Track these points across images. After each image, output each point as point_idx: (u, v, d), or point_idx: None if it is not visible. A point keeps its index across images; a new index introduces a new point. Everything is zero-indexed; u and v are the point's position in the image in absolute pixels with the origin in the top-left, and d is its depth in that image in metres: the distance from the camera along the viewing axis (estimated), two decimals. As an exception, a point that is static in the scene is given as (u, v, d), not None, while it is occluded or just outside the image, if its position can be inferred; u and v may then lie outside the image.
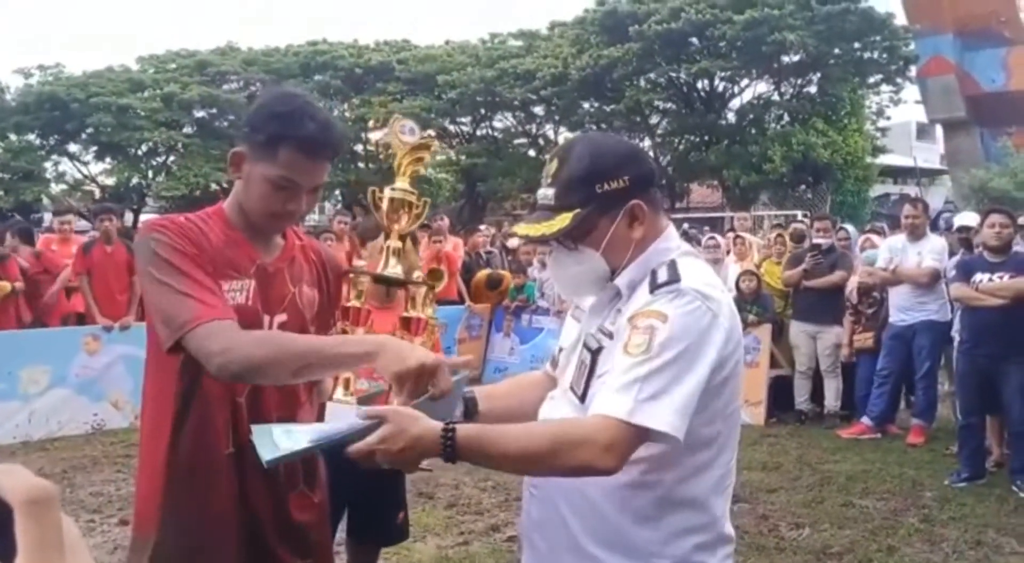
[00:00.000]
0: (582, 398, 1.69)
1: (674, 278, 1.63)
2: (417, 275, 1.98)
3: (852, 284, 7.48)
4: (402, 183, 1.99)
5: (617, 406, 1.54)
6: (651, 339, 1.57)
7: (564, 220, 1.68)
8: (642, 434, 1.54)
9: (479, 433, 1.56)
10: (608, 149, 1.76)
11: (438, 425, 1.53)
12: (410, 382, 1.61)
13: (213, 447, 1.84)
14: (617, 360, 1.61)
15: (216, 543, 1.84)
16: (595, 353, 1.70)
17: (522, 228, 1.76)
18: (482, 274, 9.88)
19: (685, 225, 11.58)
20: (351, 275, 1.93)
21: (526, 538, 1.86)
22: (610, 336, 1.69)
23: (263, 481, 1.83)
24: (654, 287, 1.64)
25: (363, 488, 2.10)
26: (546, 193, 1.73)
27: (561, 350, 1.88)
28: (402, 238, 1.97)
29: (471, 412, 1.83)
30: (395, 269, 1.93)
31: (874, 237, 8.15)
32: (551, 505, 1.76)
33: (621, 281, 1.72)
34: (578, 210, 1.68)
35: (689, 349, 1.57)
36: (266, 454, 1.56)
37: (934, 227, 8.67)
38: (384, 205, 1.95)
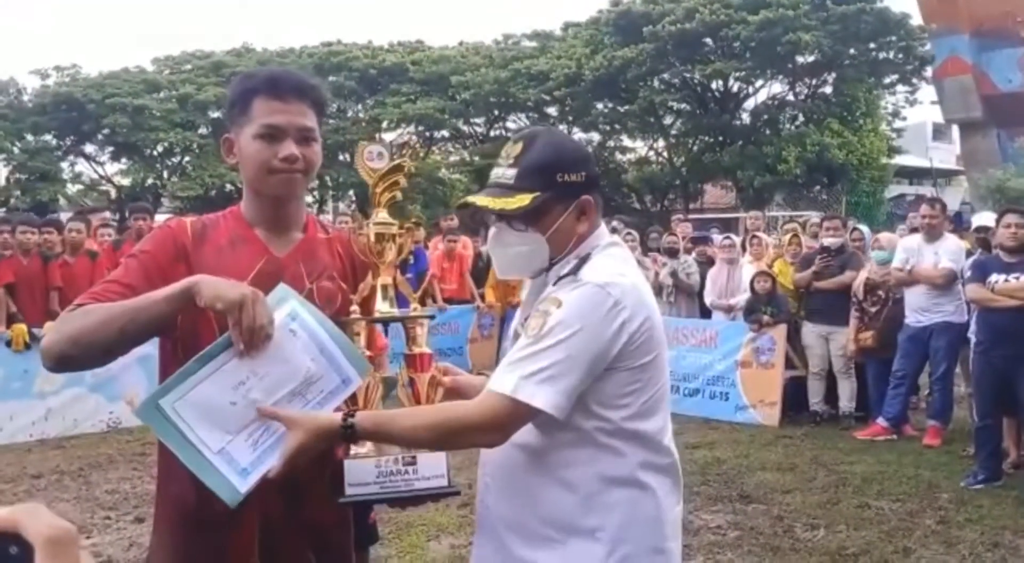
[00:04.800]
0: None
1: (574, 271, 1.75)
2: (413, 308, 1.93)
3: (860, 279, 7.42)
4: (381, 215, 1.88)
5: (503, 383, 1.66)
6: (544, 322, 1.68)
7: (523, 200, 1.74)
8: (525, 410, 1.65)
9: (375, 426, 1.68)
10: (571, 144, 1.92)
11: (337, 419, 1.66)
12: (234, 314, 1.62)
13: None
14: (517, 343, 1.73)
15: (209, 546, 1.81)
16: (516, 340, 1.80)
17: (482, 199, 1.80)
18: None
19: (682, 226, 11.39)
20: (344, 323, 1.82)
21: (483, 528, 1.91)
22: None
23: (275, 481, 1.77)
24: (557, 280, 1.77)
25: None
26: (506, 172, 1.79)
27: (509, 344, 1.98)
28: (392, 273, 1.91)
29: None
30: (386, 307, 1.88)
31: (882, 238, 8.05)
32: (504, 492, 1.83)
33: (551, 274, 1.82)
34: (537, 193, 1.75)
35: (580, 332, 1.66)
36: (227, 492, 1.64)
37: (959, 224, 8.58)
38: (370, 241, 1.86)
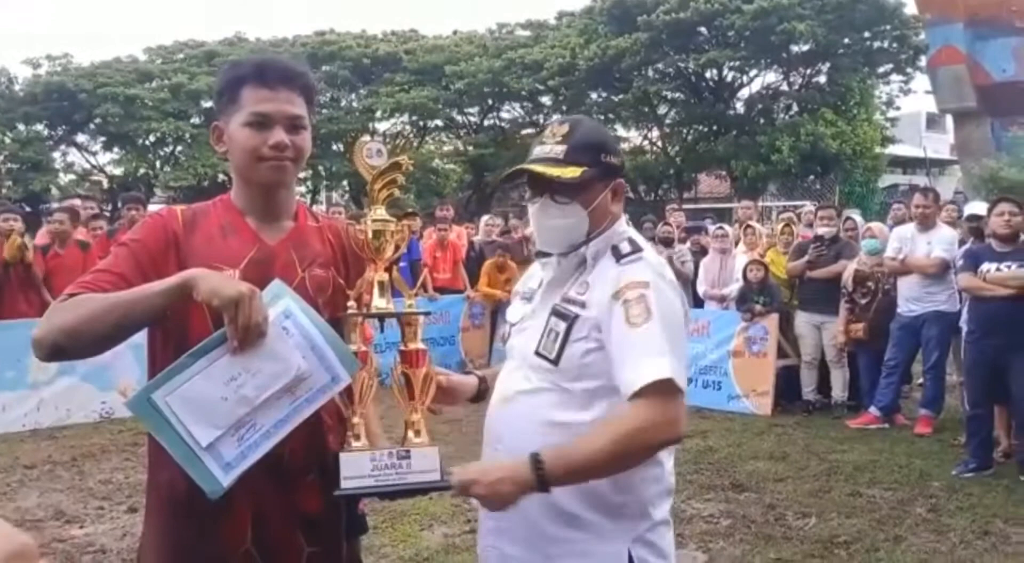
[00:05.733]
0: (555, 361, 1.85)
1: (637, 249, 1.87)
2: (409, 304, 1.92)
3: (848, 272, 7.44)
4: (379, 211, 1.89)
5: (657, 371, 1.70)
6: (647, 306, 1.76)
7: (575, 172, 1.84)
8: (680, 392, 1.73)
9: (566, 469, 1.71)
10: (607, 131, 2.07)
11: (525, 464, 1.70)
12: (230, 311, 1.62)
13: None
14: (622, 333, 1.76)
15: (201, 534, 1.81)
16: (570, 322, 1.84)
17: (537, 167, 1.86)
18: (491, 261, 9.92)
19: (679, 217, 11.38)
20: (341, 319, 1.85)
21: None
22: (582, 305, 1.84)
23: (267, 469, 1.77)
24: (619, 257, 1.86)
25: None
26: (554, 148, 1.88)
27: (512, 326, 2.03)
28: (388, 269, 1.90)
29: (482, 391, 2.06)
30: (382, 303, 1.86)
31: (874, 227, 8.09)
32: None
33: (589, 251, 1.90)
34: (586, 168, 1.85)
35: (672, 310, 1.80)
36: (210, 484, 1.64)
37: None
38: (368, 237, 1.86)
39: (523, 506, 1.85)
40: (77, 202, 9.88)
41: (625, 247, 1.87)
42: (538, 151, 1.90)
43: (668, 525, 1.94)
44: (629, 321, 1.75)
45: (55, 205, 10.74)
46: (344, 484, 1.75)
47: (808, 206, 11.84)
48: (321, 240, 1.98)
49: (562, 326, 1.85)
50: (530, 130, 33.66)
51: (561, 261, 1.94)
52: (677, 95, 29.89)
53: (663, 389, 1.70)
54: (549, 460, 1.69)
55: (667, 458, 1.92)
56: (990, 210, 6.04)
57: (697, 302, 8.86)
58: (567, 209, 1.87)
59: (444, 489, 1.84)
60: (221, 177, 28.28)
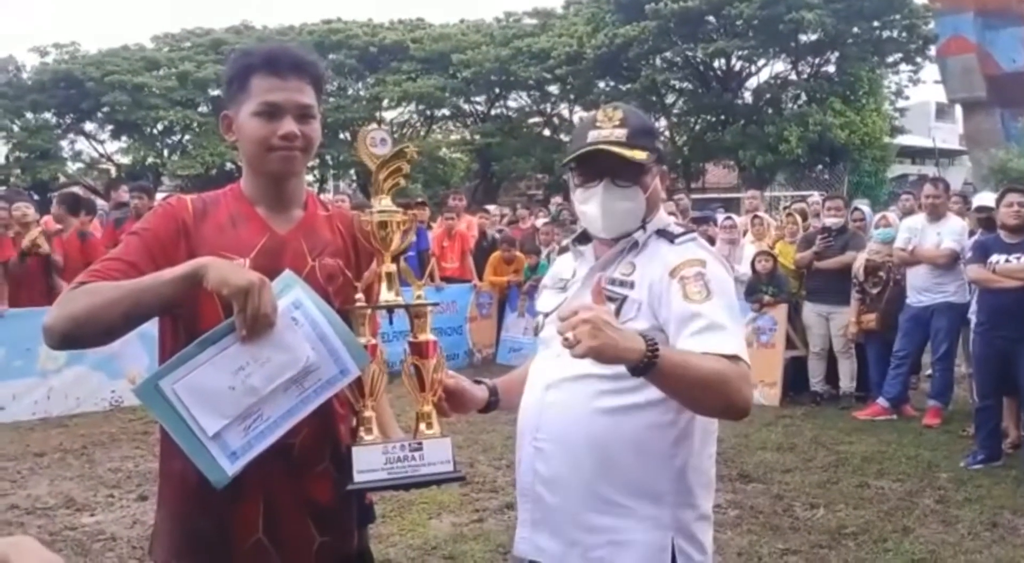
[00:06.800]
0: None
1: (689, 230, 1.92)
2: (417, 295, 1.89)
3: (860, 262, 7.42)
4: (384, 202, 1.86)
5: (726, 345, 1.69)
6: (705, 283, 1.77)
7: (642, 155, 1.88)
8: (747, 365, 1.72)
9: (673, 358, 1.63)
10: None
11: (638, 336, 1.60)
12: (240, 300, 1.61)
13: None
14: (682, 307, 1.76)
15: (212, 523, 1.81)
16: (619, 304, 1.83)
17: (613, 147, 1.86)
18: (498, 253, 9.92)
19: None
20: (349, 312, 1.82)
21: (529, 496, 1.92)
22: (630, 286, 1.84)
23: (278, 459, 1.77)
24: (673, 238, 1.89)
25: None
26: (614, 132, 1.89)
27: (546, 316, 1.99)
28: (395, 259, 1.87)
29: (492, 402, 2.04)
30: (390, 295, 1.84)
31: (889, 215, 8.06)
32: (567, 457, 1.85)
33: (641, 235, 1.92)
34: (648, 152, 1.89)
35: (728, 286, 1.81)
36: (216, 474, 1.64)
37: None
38: (374, 229, 1.83)
39: (563, 495, 1.85)
40: (78, 189, 9.90)
41: (677, 229, 1.92)
42: (596, 135, 1.90)
43: (710, 521, 1.91)
44: (689, 297, 1.75)
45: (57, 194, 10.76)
46: (357, 478, 1.74)
47: (816, 196, 11.78)
48: (331, 229, 1.98)
49: (610, 308, 1.78)
50: (537, 119, 33.65)
51: (602, 247, 1.96)
52: (685, 84, 29.84)
53: (734, 362, 1.69)
54: (662, 346, 1.61)
55: (711, 444, 1.91)
56: (999, 201, 5.99)
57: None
58: (629, 192, 1.90)
59: (457, 480, 1.83)
60: (229, 166, 28.30)
